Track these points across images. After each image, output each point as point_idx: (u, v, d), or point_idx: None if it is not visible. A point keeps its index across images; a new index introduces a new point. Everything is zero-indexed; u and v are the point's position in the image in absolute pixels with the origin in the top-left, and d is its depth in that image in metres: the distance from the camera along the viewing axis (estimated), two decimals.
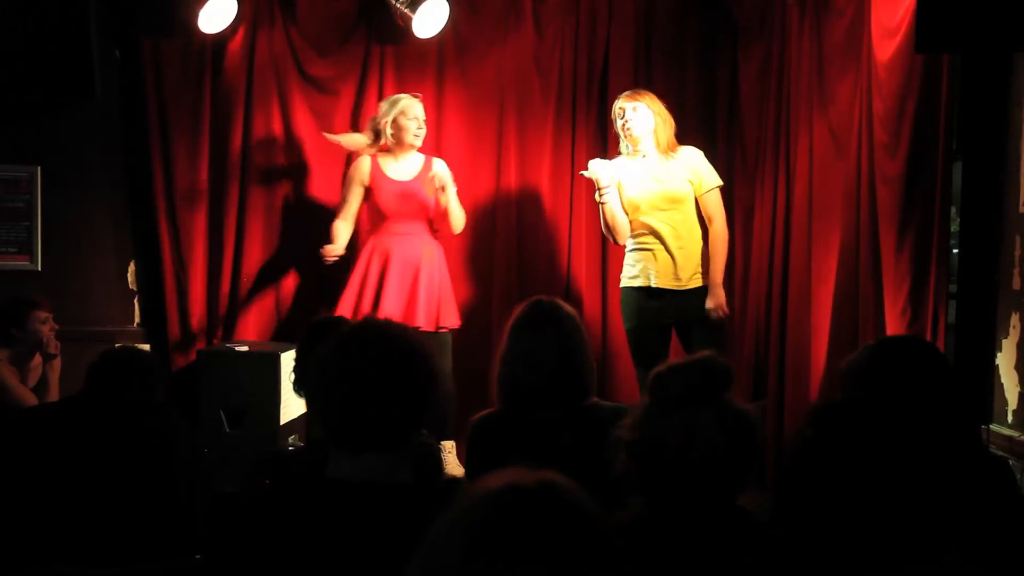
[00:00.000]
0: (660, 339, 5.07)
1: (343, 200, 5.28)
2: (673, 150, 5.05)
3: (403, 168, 5.23)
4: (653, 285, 5.03)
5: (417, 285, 5.15)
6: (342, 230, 5.23)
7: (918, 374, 2.46)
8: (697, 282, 5.03)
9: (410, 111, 5.17)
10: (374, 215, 5.27)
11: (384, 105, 5.23)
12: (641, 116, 5.02)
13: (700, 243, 5.07)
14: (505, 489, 1.22)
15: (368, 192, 5.24)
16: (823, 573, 2.05)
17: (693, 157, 5.07)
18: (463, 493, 1.25)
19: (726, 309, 5.06)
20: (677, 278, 5.01)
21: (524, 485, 1.22)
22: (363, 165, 5.24)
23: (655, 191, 5.02)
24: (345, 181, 5.31)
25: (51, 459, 2.60)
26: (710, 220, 5.07)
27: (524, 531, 1.18)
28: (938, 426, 2.40)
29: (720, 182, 5.10)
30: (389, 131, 5.17)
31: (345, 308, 5.13)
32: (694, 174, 5.04)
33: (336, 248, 5.16)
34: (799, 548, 2.05)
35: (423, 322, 5.11)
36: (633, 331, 5.14)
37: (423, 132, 5.23)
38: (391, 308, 5.07)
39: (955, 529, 2.19)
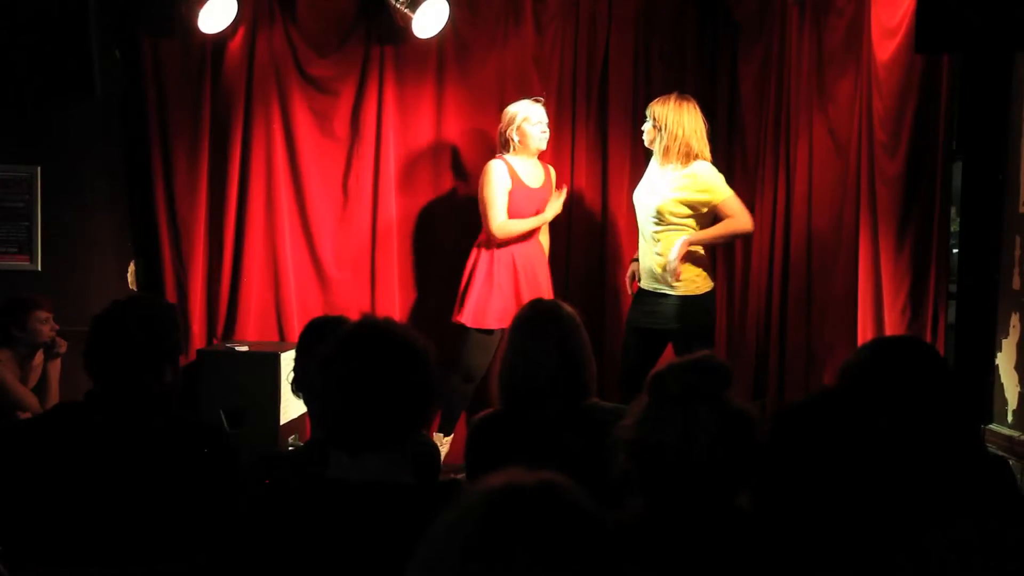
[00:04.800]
0: (641, 342, 5.03)
1: (495, 206, 5.14)
2: (684, 163, 4.94)
3: (533, 174, 5.26)
4: (640, 286, 5.10)
5: (539, 283, 5.23)
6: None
7: (915, 374, 2.46)
8: (687, 290, 4.93)
9: (534, 116, 5.19)
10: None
11: (507, 114, 5.22)
12: (648, 128, 5.00)
13: (692, 255, 4.96)
14: (505, 489, 1.22)
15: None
16: (821, 573, 2.05)
17: (696, 175, 4.93)
18: (463, 493, 1.25)
19: (671, 266, 4.84)
20: (658, 281, 4.97)
21: (523, 485, 1.22)
22: (502, 171, 5.18)
23: (642, 200, 5.04)
24: (487, 188, 5.16)
25: (83, 461, 2.58)
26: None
27: (524, 531, 1.18)
28: (935, 426, 2.40)
29: (727, 193, 4.96)
30: (516, 137, 5.17)
31: (469, 313, 5.15)
32: (701, 192, 4.91)
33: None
34: (796, 547, 2.05)
35: None
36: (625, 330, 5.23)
37: (547, 135, 5.25)
38: None
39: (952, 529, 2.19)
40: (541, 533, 1.18)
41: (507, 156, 5.23)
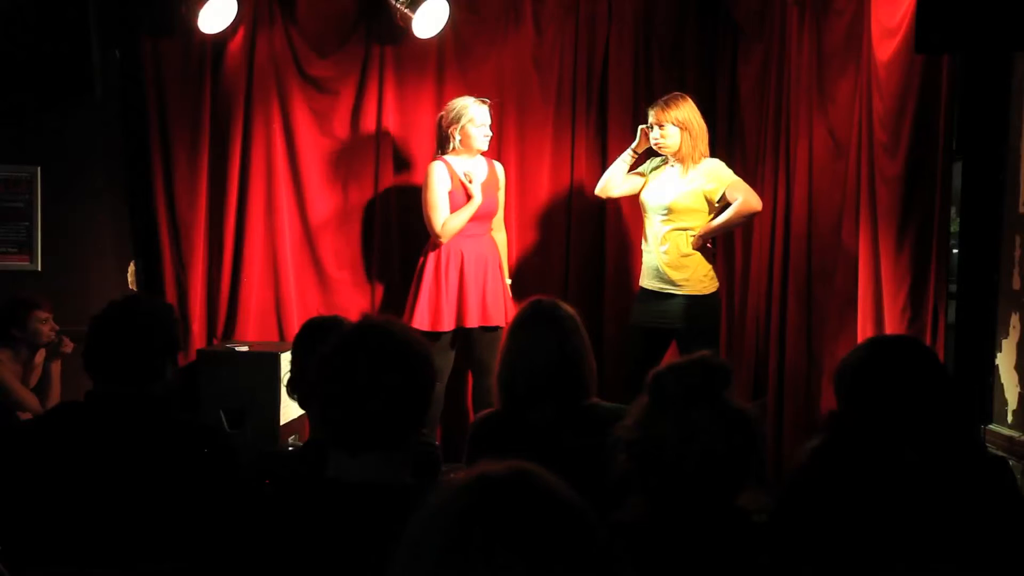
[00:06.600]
0: (646, 341, 5.05)
1: (437, 209, 5.10)
2: (697, 161, 5.00)
3: (474, 173, 5.22)
4: (643, 285, 5.10)
5: (486, 283, 5.19)
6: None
7: (911, 374, 2.46)
8: (694, 290, 4.97)
9: (479, 118, 5.16)
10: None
11: (451, 111, 5.18)
12: (669, 136, 4.99)
13: (700, 253, 5.00)
14: (475, 479, 1.22)
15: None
16: (822, 574, 2.05)
17: (711, 169, 5.00)
18: (439, 489, 1.25)
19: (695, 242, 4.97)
20: (664, 280, 5.00)
21: (494, 474, 1.22)
22: (443, 172, 5.15)
23: (659, 197, 5.03)
24: (429, 191, 5.14)
25: (83, 461, 2.58)
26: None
27: (497, 520, 1.18)
28: (933, 426, 2.40)
29: (733, 177, 5.00)
30: (457, 137, 5.15)
31: (422, 317, 5.12)
32: (713, 181, 4.97)
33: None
34: (798, 549, 2.05)
35: (499, 318, 5.17)
36: (627, 330, 5.20)
37: (489, 137, 5.22)
38: (474, 308, 5.11)
39: (953, 531, 2.19)
40: (515, 521, 1.18)
41: (447, 157, 5.20)
